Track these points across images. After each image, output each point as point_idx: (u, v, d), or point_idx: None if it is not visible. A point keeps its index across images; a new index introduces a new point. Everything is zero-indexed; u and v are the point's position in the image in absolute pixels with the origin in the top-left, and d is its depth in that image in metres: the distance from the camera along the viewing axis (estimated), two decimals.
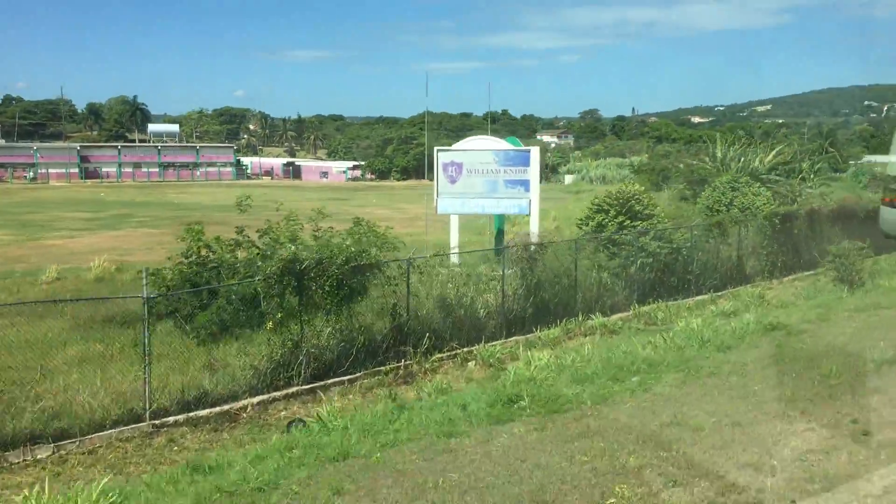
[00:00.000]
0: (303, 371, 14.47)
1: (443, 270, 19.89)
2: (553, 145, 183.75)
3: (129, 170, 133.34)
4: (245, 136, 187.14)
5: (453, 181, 28.55)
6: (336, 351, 15.14)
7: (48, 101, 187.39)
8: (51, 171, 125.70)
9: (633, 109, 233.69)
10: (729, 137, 55.18)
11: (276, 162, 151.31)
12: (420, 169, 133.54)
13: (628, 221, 23.61)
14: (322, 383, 14.85)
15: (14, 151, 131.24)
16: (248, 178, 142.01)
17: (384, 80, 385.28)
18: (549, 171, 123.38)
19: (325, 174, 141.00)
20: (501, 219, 30.82)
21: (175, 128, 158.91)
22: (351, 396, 14.96)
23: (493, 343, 17.86)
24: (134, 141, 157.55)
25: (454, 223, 28.81)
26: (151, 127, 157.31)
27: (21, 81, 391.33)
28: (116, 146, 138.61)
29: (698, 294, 23.90)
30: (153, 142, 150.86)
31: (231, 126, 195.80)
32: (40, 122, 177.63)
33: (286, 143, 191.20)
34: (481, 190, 28.46)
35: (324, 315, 14.94)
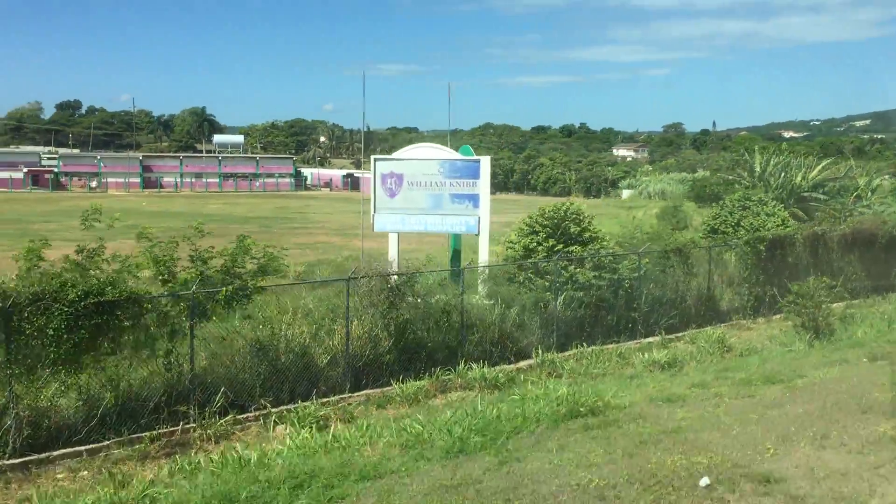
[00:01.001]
0: (10, 441, 11.17)
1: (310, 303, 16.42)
2: (629, 159, 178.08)
3: (191, 180, 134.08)
4: (312, 148, 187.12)
5: (392, 195, 25.03)
6: (72, 413, 11.79)
7: (124, 112, 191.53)
8: (113, 180, 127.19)
9: (714, 123, 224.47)
10: (769, 150, 49.98)
11: (337, 173, 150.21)
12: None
13: (561, 246, 19.62)
14: (44, 455, 11.51)
15: (81, 161, 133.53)
16: (308, 188, 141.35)
17: (466, 92, 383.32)
18: (609, 186, 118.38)
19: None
20: (458, 238, 27.05)
21: (240, 139, 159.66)
22: (85, 472, 11.59)
23: (328, 399, 14.26)
24: (201, 152, 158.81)
25: (393, 242, 25.23)
26: (217, 138, 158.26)
27: (108, 94, 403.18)
28: (178, 156, 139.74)
29: (648, 335, 19.70)
30: (218, 153, 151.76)
31: (300, 138, 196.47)
32: (116, 132, 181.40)
33: (353, 155, 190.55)
34: (424, 205, 24.85)
35: (49, 367, 11.61)
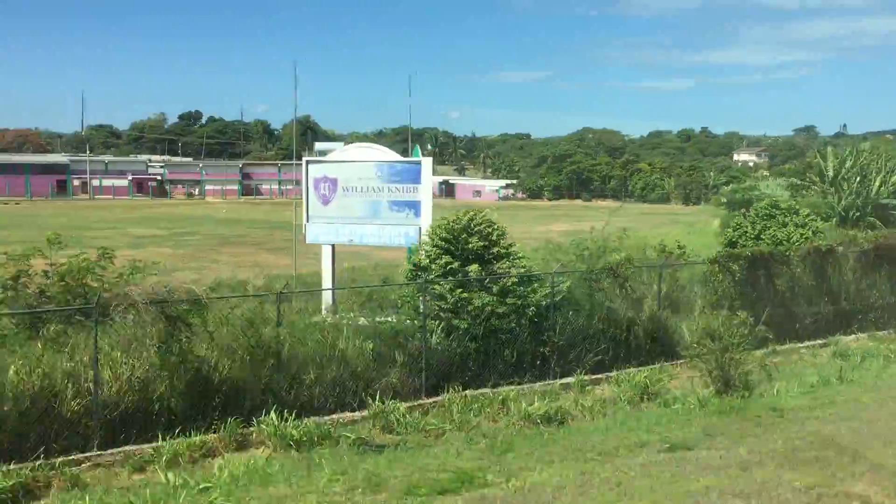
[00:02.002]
0: None
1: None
2: (751, 164, 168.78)
3: (290, 187, 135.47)
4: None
5: (326, 201, 22.25)
6: None
7: (237, 121, 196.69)
8: (215, 188, 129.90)
9: (844, 126, 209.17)
10: (850, 151, 44.01)
11: (433, 180, 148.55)
12: (574, 187, 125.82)
13: (457, 264, 16.21)
14: None
15: (184, 169, 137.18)
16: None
17: (583, 98, 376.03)
18: (710, 191, 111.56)
19: (478, 193, 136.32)
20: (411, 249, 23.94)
21: (340, 146, 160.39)
22: None
23: (71, 457, 11.49)
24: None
25: (326, 256, 22.40)
26: (317, 145, 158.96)
27: (228, 104, 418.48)
28: (276, 164, 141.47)
29: (565, 374, 16.00)
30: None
31: (406, 145, 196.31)
32: (228, 141, 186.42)
33: (455, 162, 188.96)
34: (360, 213, 22.00)
35: None
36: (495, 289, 15.74)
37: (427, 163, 21.56)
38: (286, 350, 13.46)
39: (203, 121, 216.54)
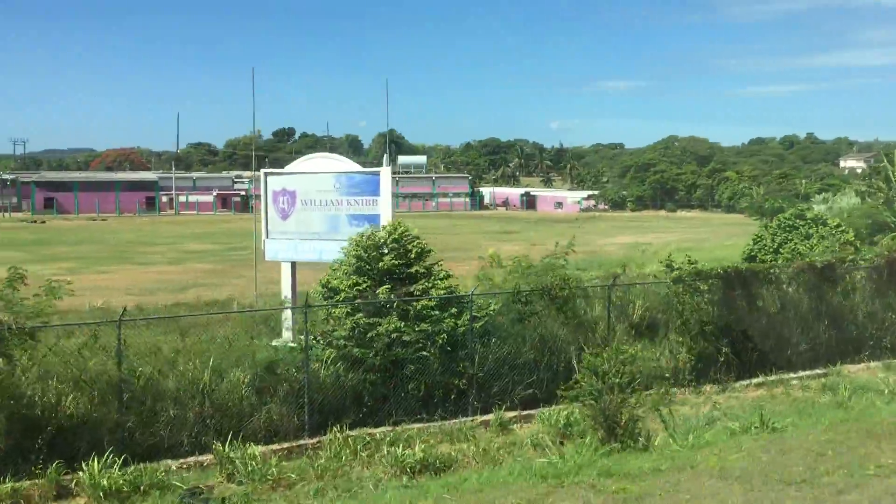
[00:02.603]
0: None
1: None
2: (859, 170, 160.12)
3: None
4: (503, 167, 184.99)
5: (285, 216, 21.01)
6: None
7: (328, 136, 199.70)
8: None
9: None
10: None
11: (514, 192, 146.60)
12: (658, 198, 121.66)
13: (365, 285, 14.59)
14: None
15: None
16: (486, 208, 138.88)
17: (681, 105, 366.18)
18: (801, 200, 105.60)
19: (559, 204, 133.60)
20: None
21: (422, 159, 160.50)
22: None
23: None
24: (394, 173, 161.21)
25: (286, 274, 21.12)
26: (401, 159, 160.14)
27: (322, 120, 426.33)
28: None
29: (486, 411, 14.10)
30: (401, 172, 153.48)
31: (494, 157, 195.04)
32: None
33: (542, 173, 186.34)
34: (319, 228, 20.67)
35: None
36: (412, 313, 14.06)
37: (386, 173, 20.01)
38: (139, 384, 12.13)
39: (296, 137, 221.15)
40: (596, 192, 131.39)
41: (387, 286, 14.36)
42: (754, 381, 16.59)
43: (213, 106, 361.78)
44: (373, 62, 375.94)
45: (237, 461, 11.40)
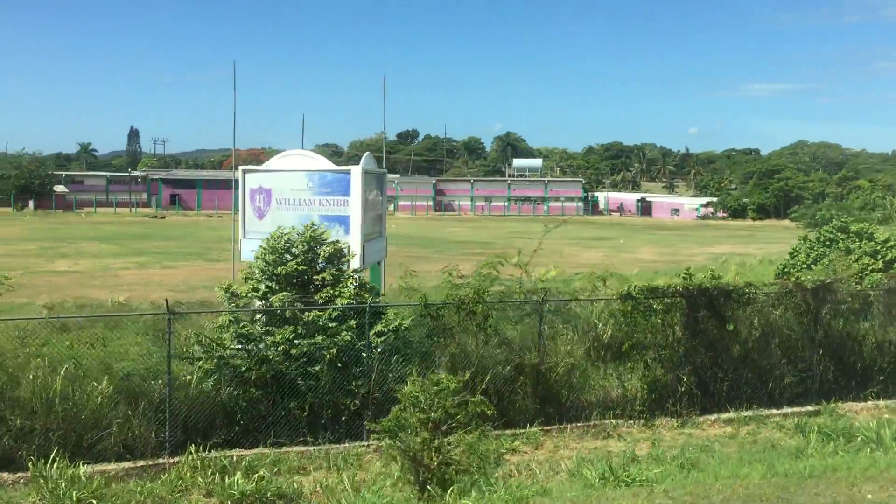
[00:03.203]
0: None
1: None
2: None
3: (482, 203, 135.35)
4: (623, 171, 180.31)
5: (261, 215, 20.22)
6: None
7: (447, 139, 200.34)
8: (412, 203, 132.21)
9: None
10: None
11: (630, 197, 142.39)
12: (780, 207, 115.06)
13: (263, 289, 13.50)
14: None
15: None
16: (600, 213, 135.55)
17: (829, 109, 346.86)
18: None
19: (675, 211, 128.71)
20: (376, 270, 21.61)
21: (538, 162, 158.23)
22: None
23: None
24: (504, 175, 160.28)
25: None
26: (516, 162, 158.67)
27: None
28: (469, 180, 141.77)
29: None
30: (516, 176, 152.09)
31: (616, 161, 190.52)
32: (437, 158, 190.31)
33: (669, 178, 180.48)
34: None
35: None
36: (300, 324, 12.89)
37: (357, 172, 18.84)
38: None
39: (420, 138, 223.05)
40: (715, 199, 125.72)
41: (287, 293, 13.23)
42: (724, 416, 14.50)
43: (341, 108, 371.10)
44: (499, 65, 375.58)
45: (60, 481, 10.52)
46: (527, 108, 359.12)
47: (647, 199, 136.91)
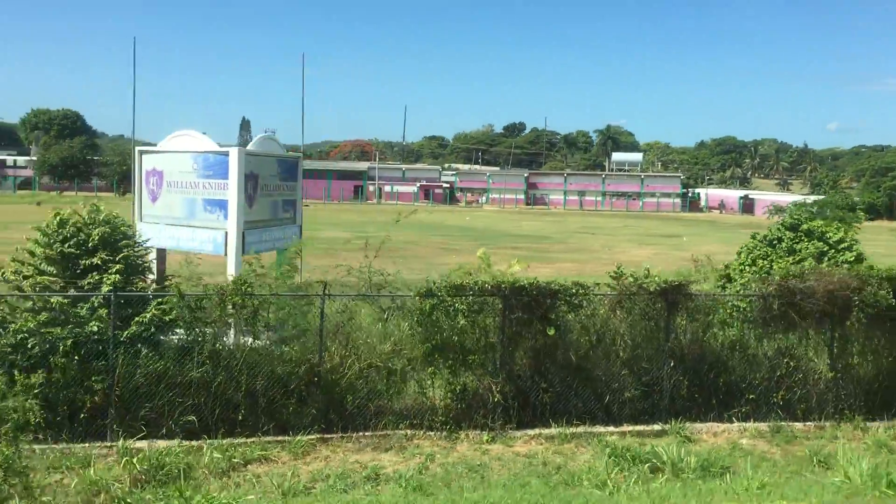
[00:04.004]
0: None
1: None
2: None
3: (574, 197, 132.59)
4: (732, 167, 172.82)
5: (154, 198, 19.74)
6: None
7: (551, 131, 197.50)
8: (505, 196, 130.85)
9: None
10: None
11: (732, 194, 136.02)
12: (894, 207, 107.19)
13: (32, 272, 12.72)
14: None
15: (473, 177, 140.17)
16: (700, 210, 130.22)
17: None
18: None
19: (779, 209, 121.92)
20: (282, 257, 20.66)
21: (638, 157, 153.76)
22: None
23: None
24: (604, 169, 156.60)
25: (153, 262, 19.71)
26: (615, 156, 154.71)
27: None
28: (562, 174, 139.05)
29: (136, 435, 11.75)
30: (615, 170, 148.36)
31: (726, 157, 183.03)
32: (538, 151, 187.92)
33: (777, 176, 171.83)
34: (179, 213, 19.24)
35: None
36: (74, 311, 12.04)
37: (235, 154, 17.86)
38: None
39: (526, 131, 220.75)
40: (821, 198, 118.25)
41: (46, 277, 12.42)
42: (546, 431, 12.74)
43: (448, 100, 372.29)
44: (615, 57, 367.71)
45: None
46: (642, 102, 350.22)
47: (751, 196, 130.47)
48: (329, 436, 12.23)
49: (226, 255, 18.09)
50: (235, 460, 11.07)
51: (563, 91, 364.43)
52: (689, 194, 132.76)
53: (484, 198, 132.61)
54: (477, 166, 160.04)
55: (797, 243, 18.14)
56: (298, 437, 11.89)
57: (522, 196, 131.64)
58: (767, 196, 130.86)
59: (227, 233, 17.89)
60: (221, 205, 18.19)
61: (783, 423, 13.27)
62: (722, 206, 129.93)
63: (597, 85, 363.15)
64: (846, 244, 17.96)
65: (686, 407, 13.21)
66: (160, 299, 12.21)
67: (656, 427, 13.00)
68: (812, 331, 13.53)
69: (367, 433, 12.36)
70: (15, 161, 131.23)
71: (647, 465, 11.01)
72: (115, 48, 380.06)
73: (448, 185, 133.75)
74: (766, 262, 17.93)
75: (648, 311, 13.12)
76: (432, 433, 12.50)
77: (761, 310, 13.39)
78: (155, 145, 19.92)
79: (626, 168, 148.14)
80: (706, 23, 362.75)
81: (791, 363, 13.36)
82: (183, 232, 18.73)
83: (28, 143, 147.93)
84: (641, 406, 13.13)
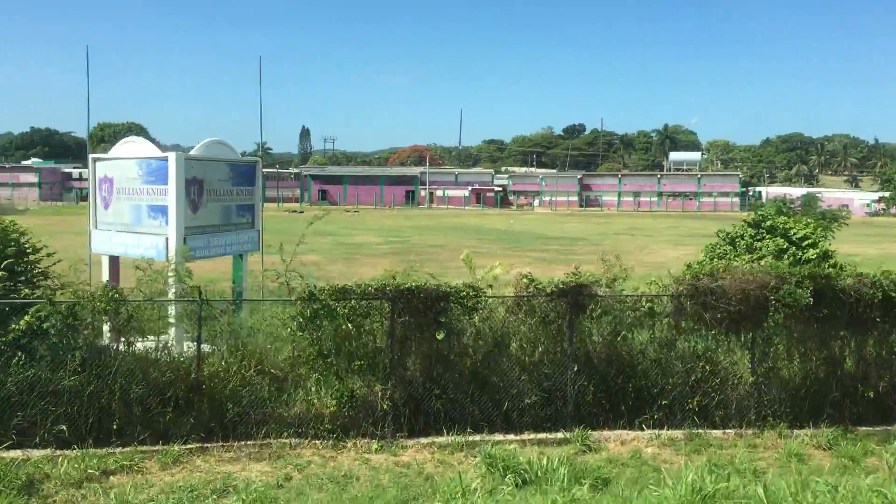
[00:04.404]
0: None
1: None
2: None
3: (629, 199, 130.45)
4: (798, 165, 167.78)
5: (106, 205, 19.79)
6: None
7: (606, 132, 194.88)
8: (558, 199, 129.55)
9: None
10: None
11: (794, 192, 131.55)
12: None
13: None
14: None
15: (526, 180, 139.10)
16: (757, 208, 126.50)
17: None
18: None
19: (844, 206, 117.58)
20: (238, 263, 20.66)
21: (696, 156, 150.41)
22: None
23: None
24: (662, 169, 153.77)
25: (104, 270, 19.77)
26: (673, 155, 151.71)
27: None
28: (617, 175, 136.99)
29: (20, 447, 11.60)
30: (672, 170, 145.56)
31: (792, 154, 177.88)
32: (594, 153, 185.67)
33: (846, 172, 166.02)
34: (128, 220, 19.23)
35: None
36: None
37: (173, 159, 17.71)
38: None
39: (586, 133, 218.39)
40: (887, 195, 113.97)
41: None
42: (439, 440, 12.17)
43: (508, 104, 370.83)
44: (674, 55, 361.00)
45: None
46: (708, 101, 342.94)
47: (815, 194, 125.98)
48: (209, 445, 11.85)
49: (167, 260, 17.92)
50: (91, 471, 10.77)
51: (626, 91, 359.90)
52: (750, 193, 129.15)
53: (537, 201, 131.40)
54: (532, 169, 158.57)
55: (759, 240, 17.11)
56: (172, 447, 11.55)
57: (575, 198, 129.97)
58: (833, 193, 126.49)
59: (168, 238, 17.73)
60: (163, 210, 18.06)
61: (700, 430, 12.42)
62: None
63: (662, 84, 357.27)
64: (810, 241, 16.85)
65: (593, 414, 12.46)
66: (37, 307, 12.02)
67: (559, 435, 12.29)
68: (732, 334, 12.62)
69: (248, 442, 11.95)
70: (80, 174, 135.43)
71: (518, 475, 10.35)
72: (181, 60, 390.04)
73: (500, 189, 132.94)
74: (724, 261, 16.91)
75: (549, 314, 12.41)
76: (319, 441, 12.04)
77: (675, 311, 12.55)
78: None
79: (685, 167, 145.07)
80: (774, 21, 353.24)
81: (707, 367, 12.48)
82: (130, 238, 18.66)
83: None
84: (544, 413, 12.42)
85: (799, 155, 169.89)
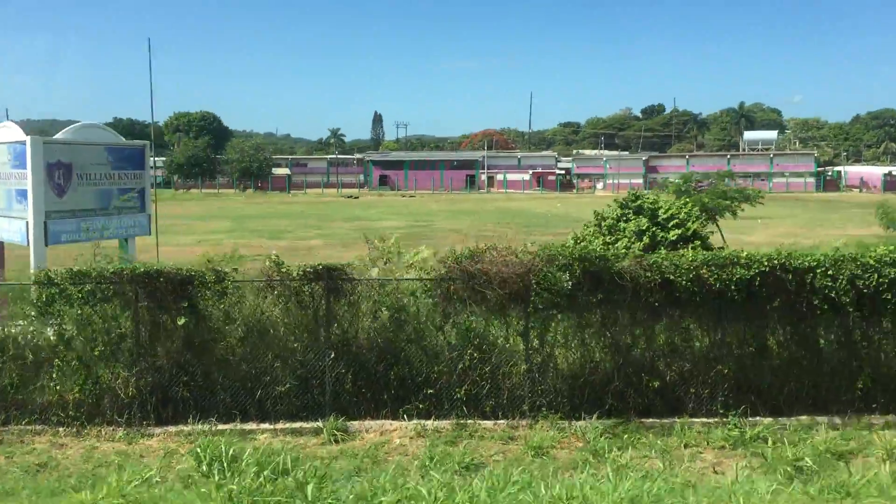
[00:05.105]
0: None
1: None
2: None
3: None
4: (885, 142, 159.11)
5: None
6: None
7: (682, 112, 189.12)
8: (621, 181, 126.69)
9: None
10: None
11: (875, 171, 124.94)
12: None
13: None
14: None
15: (591, 163, 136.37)
16: (836, 189, 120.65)
17: None
18: None
19: None
20: (123, 247, 20.50)
21: (772, 135, 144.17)
22: None
23: None
24: (738, 149, 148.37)
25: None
26: (747, 135, 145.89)
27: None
28: (684, 156, 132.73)
29: None
30: (747, 150, 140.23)
31: (881, 131, 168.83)
32: (668, 133, 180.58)
33: None
34: (3, 204, 19.26)
35: None
36: None
37: (30, 143, 17.52)
38: None
39: (666, 113, 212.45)
40: None
41: None
42: (185, 428, 11.57)
43: (585, 85, 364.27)
44: (761, 31, 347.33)
45: None
46: (799, 77, 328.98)
47: (895, 173, 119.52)
48: None
49: (28, 244, 17.86)
50: None
51: (710, 70, 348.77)
52: (829, 172, 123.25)
53: (600, 184, 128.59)
54: (601, 151, 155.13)
55: (625, 221, 15.85)
56: None
57: (640, 180, 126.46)
58: None
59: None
60: (24, 195, 18.00)
61: (470, 420, 11.47)
62: (862, 185, 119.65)
63: (747, 62, 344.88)
64: (675, 221, 15.48)
65: (354, 403, 11.64)
66: None
67: (316, 424, 11.53)
68: (502, 320, 11.59)
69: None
70: (155, 162, 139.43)
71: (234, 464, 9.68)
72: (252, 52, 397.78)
73: (563, 172, 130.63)
74: (585, 243, 15.80)
75: (304, 299, 11.63)
76: (62, 429, 11.62)
77: (441, 297, 11.59)
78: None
79: (760, 147, 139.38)
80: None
81: (476, 355, 11.48)
82: (3, 223, 18.70)
83: (172, 145, 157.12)
84: (301, 402, 11.66)
85: (888, 132, 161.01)
